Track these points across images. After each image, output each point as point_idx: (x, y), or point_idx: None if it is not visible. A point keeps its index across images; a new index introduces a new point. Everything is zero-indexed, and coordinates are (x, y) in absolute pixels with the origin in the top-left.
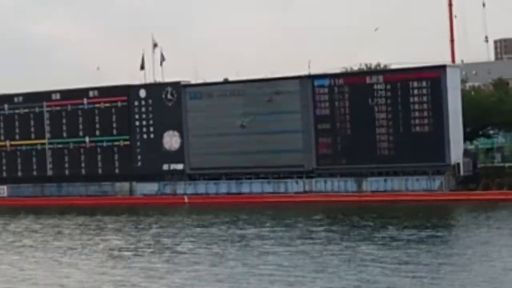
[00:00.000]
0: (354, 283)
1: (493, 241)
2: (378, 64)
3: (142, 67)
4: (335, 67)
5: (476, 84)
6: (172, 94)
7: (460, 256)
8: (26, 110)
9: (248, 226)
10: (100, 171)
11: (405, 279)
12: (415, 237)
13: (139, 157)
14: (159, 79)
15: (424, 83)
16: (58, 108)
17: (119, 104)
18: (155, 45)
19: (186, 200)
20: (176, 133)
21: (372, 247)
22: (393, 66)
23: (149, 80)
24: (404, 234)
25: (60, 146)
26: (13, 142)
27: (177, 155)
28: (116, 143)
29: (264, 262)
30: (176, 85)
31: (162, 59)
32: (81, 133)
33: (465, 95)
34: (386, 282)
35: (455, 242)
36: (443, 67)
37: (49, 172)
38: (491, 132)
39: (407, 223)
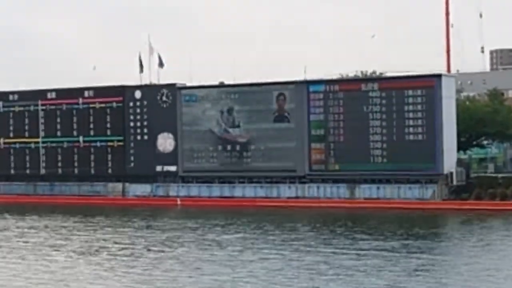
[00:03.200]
0: None
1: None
2: (374, 72)
3: (141, 70)
4: (331, 73)
5: (471, 94)
6: (167, 96)
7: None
8: (21, 108)
9: (223, 231)
10: (93, 171)
11: None
12: (385, 247)
13: (132, 158)
14: (155, 81)
15: (419, 92)
16: (53, 107)
17: (114, 104)
18: (152, 50)
19: (179, 202)
20: (170, 135)
21: (340, 257)
22: (389, 74)
23: (145, 81)
24: (375, 244)
25: (53, 145)
26: (6, 140)
27: (171, 157)
28: (110, 143)
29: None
30: (171, 87)
31: (161, 64)
32: (75, 133)
33: (459, 104)
34: None
35: (426, 252)
36: (438, 76)
37: (42, 171)
38: (485, 142)
39: (389, 232)
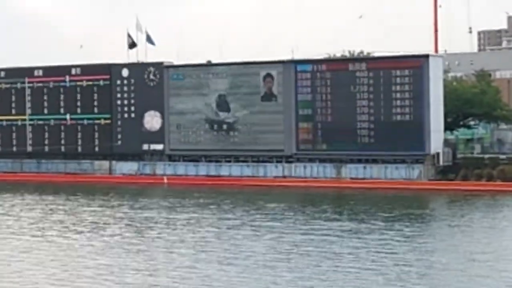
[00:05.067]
0: None
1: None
2: (361, 52)
3: (132, 46)
4: (318, 53)
5: (459, 74)
6: (154, 75)
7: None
8: (8, 86)
9: (191, 210)
10: (80, 149)
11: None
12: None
13: (119, 136)
14: (142, 59)
15: (406, 72)
16: (40, 84)
17: (101, 82)
18: (140, 27)
19: (165, 180)
20: (157, 113)
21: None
22: (376, 54)
23: (132, 59)
24: (341, 225)
25: (40, 122)
26: None
27: (158, 136)
28: (97, 121)
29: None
30: (159, 65)
31: (151, 41)
32: (62, 110)
33: (447, 85)
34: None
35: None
36: (426, 57)
37: (29, 148)
38: (472, 123)
39: (367, 212)
